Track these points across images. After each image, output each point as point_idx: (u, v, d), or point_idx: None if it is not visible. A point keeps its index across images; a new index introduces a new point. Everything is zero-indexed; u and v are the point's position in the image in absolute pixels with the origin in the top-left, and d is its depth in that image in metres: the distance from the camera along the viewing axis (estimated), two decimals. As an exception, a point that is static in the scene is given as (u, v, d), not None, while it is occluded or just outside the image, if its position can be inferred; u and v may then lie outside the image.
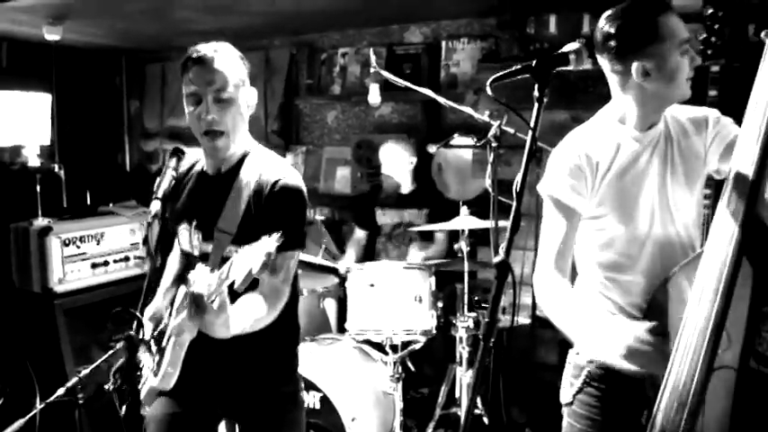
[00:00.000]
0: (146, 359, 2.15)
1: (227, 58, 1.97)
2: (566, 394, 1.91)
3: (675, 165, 1.80)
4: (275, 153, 2.13)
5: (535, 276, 1.84)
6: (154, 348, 2.05)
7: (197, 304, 1.60)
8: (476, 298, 3.49)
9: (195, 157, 2.20)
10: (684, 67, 1.73)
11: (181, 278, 2.22)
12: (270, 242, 1.51)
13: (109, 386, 2.04)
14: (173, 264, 2.31)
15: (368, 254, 4.24)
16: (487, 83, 1.54)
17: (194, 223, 2.07)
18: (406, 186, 4.19)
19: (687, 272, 1.65)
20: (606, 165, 1.80)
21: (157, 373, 1.97)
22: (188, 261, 2.12)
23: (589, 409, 1.83)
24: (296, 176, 2.02)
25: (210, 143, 1.98)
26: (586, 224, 1.85)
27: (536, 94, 1.48)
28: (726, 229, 1.55)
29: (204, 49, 1.96)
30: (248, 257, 1.51)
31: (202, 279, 1.61)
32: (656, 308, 1.72)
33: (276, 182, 1.96)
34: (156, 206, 1.72)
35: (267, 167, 2.02)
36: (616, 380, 1.72)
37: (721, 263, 1.53)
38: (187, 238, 2.09)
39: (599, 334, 1.70)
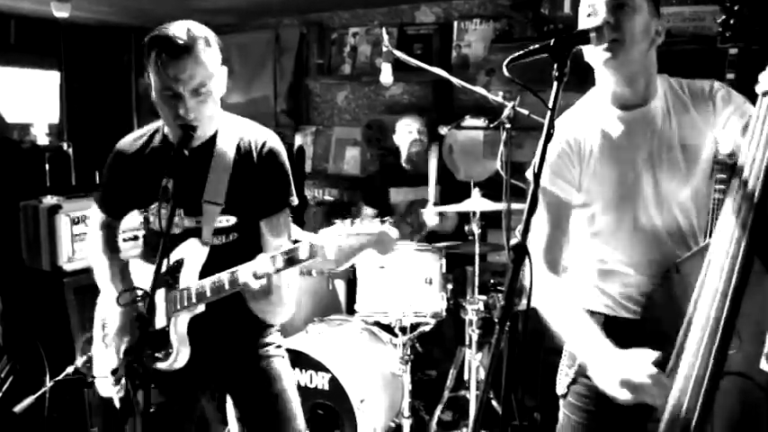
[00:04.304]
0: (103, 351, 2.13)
1: (202, 46, 1.88)
2: (560, 385, 1.84)
3: (673, 147, 1.67)
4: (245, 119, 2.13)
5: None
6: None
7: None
8: (491, 281, 3.47)
9: (145, 131, 2.15)
10: (582, 23, 1.63)
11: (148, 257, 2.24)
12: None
13: (119, 365, 2.04)
14: (97, 248, 2.28)
15: None
16: (504, 63, 1.46)
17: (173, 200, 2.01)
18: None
19: (690, 266, 1.55)
20: (590, 148, 1.71)
21: (168, 357, 1.96)
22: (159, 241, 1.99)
23: (584, 401, 1.75)
24: (276, 137, 2.09)
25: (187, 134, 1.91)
26: (577, 213, 1.76)
27: (555, 73, 1.40)
28: (734, 225, 1.46)
29: (177, 34, 1.86)
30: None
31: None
32: (655, 304, 1.63)
33: (264, 144, 2.03)
34: (170, 184, 1.71)
35: (245, 132, 2.06)
36: None
37: (730, 261, 1.44)
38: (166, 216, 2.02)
39: (593, 359, 1.56)
